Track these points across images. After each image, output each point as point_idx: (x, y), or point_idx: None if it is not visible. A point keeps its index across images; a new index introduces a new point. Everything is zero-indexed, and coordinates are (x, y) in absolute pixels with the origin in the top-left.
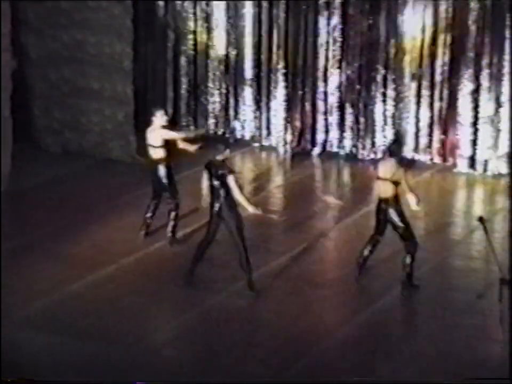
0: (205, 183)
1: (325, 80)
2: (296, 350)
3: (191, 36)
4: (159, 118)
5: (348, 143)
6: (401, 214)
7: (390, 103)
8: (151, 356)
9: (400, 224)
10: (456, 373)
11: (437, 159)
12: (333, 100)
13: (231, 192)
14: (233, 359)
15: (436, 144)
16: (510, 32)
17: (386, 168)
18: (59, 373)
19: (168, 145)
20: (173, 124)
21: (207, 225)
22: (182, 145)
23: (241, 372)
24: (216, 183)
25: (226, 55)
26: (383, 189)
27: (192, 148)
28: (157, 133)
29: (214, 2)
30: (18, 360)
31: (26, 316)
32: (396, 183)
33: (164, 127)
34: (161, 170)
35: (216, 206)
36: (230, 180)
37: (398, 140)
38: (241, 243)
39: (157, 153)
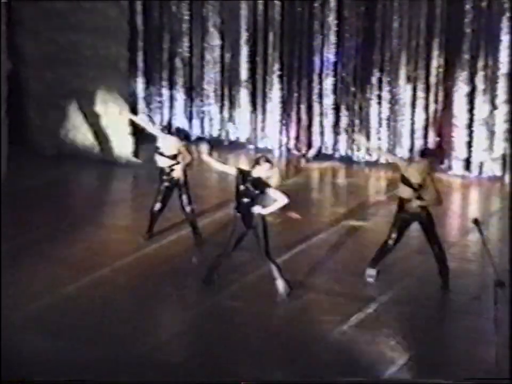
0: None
1: (320, 82)
2: (293, 350)
3: (186, 38)
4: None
5: (342, 145)
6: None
7: (385, 105)
8: (148, 357)
9: None
10: (452, 374)
11: None
12: (328, 102)
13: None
14: (231, 360)
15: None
16: (506, 34)
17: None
18: (57, 374)
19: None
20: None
21: (229, 236)
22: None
23: (239, 372)
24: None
25: (222, 57)
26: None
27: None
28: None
29: (209, 4)
30: (16, 361)
31: (23, 318)
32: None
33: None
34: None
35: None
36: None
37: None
38: (265, 240)
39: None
